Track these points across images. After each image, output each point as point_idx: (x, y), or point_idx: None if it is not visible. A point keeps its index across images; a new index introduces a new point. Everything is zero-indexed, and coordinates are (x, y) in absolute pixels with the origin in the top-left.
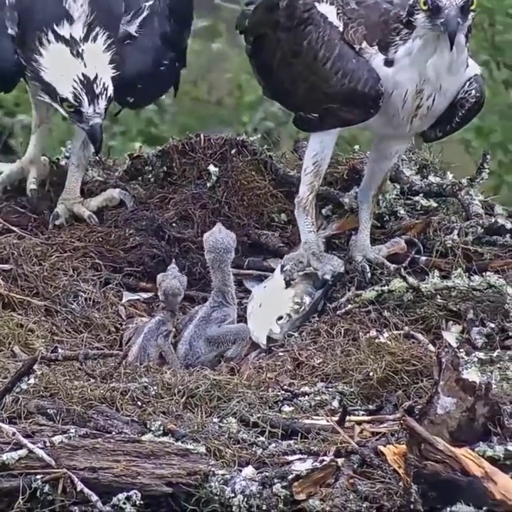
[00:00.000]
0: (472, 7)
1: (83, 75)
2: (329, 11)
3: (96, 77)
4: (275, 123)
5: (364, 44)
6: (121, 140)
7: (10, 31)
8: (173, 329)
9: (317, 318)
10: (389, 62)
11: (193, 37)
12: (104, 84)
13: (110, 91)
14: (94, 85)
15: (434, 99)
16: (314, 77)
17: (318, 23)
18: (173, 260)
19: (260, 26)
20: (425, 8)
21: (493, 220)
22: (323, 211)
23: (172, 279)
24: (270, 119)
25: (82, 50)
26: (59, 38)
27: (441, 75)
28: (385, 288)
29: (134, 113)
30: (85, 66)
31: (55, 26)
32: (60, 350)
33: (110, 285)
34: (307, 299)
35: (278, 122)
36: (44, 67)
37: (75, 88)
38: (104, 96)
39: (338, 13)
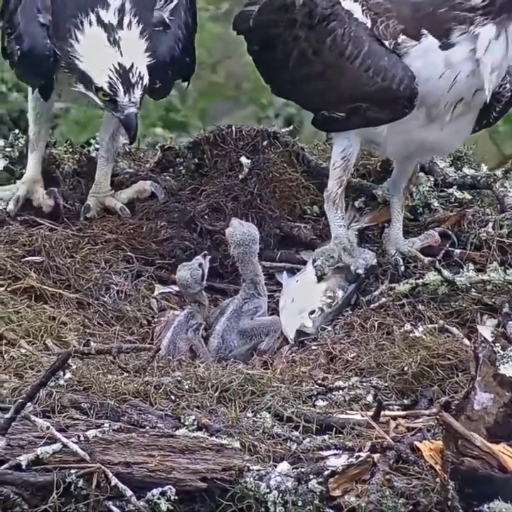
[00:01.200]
0: None
1: (119, 64)
2: (354, 8)
3: (132, 66)
4: (297, 108)
5: (401, 38)
6: (142, 125)
7: (42, 20)
8: (204, 322)
9: (350, 312)
10: (446, 45)
11: (214, 22)
12: (139, 73)
13: (146, 80)
14: (130, 74)
15: (493, 82)
16: (339, 75)
17: (343, 20)
18: (205, 252)
19: (271, 26)
20: None
21: None
22: (356, 203)
23: (183, 271)
24: (292, 105)
25: (119, 37)
26: (99, 21)
27: (497, 59)
28: (420, 281)
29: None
30: (121, 55)
31: (91, 12)
32: (92, 343)
33: (142, 278)
34: (340, 293)
35: (299, 107)
36: (80, 55)
37: (110, 77)
38: (139, 85)
39: (363, 10)
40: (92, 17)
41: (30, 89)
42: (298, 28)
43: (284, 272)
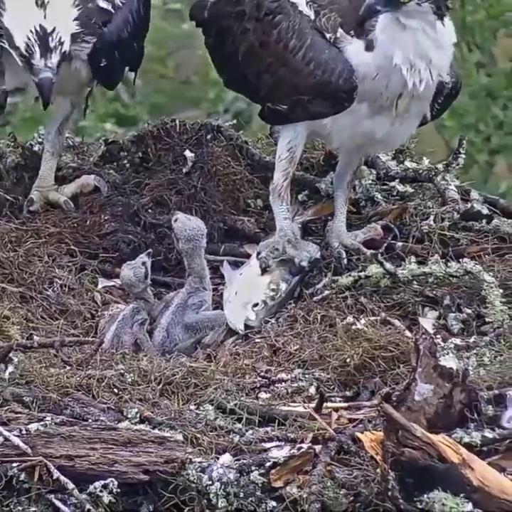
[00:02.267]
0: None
1: (41, 25)
2: (298, 0)
3: (53, 31)
4: (246, 103)
5: (340, 32)
6: (93, 120)
7: None
8: (148, 318)
9: (294, 305)
10: (370, 47)
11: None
12: (60, 38)
13: (66, 47)
14: (50, 38)
15: (431, 74)
16: (284, 68)
17: (288, 13)
18: (149, 250)
19: (223, 18)
20: None
21: (469, 206)
22: (300, 197)
23: (128, 269)
24: (241, 100)
25: (48, 1)
26: None
27: (426, 50)
28: (362, 274)
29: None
30: (45, 18)
31: None
32: (35, 337)
33: (86, 271)
34: (283, 286)
35: (249, 102)
36: (4, 9)
37: (29, 38)
38: (57, 51)
39: (307, 2)
40: None
41: None
42: (246, 20)
43: (225, 263)
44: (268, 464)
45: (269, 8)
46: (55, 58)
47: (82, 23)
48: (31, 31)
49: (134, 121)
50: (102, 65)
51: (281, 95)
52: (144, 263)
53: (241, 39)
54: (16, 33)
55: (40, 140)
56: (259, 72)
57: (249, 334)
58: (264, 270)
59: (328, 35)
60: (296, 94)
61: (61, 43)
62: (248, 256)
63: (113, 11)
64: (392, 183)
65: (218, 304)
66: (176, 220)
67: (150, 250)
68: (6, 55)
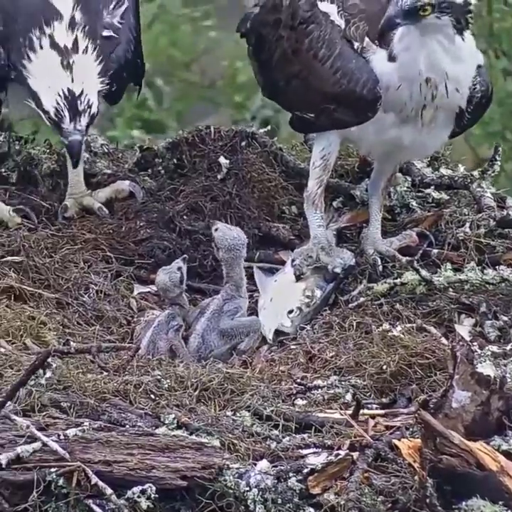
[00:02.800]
0: (425, 13)
1: (69, 89)
2: (330, 9)
3: (82, 93)
4: (273, 110)
5: (366, 41)
6: (120, 126)
7: None
8: (184, 324)
9: (329, 312)
10: (392, 57)
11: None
12: (88, 101)
13: (94, 109)
14: (79, 102)
15: (446, 88)
16: (312, 76)
17: (320, 22)
18: (184, 256)
19: (262, 26)
20: None
21: (505, 213)
22: (334, 203)
23: (162, 275)
24: (268, 107)
25: (73, 61)
26: (53, 44)
27: (442, 63)
28: (397, 281)
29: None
30: (72, 81)
31: (46, 27)
32: (72, 343)
33: (121, 278)
34: (318, 292)
35: (276, 109)
36: (31, 74)
37: (57, 103)
38: (86, 114)
39: (338, 11)
40: (46, 37)
41: None
42: (282, 28)
43: (256, 269)
44: (306, 471)
45: (303, 17)
46: (84, 121)
47: (103, 72)
48: (59, 95)
49: (162, 127)
50: (113, 89)
51: (309, 103)
52: (179, 268)
53: (276, 46)
54: (43, 97)
55: None
56: (289, 79)
57: (284, 341)
58: (299, 277)
59: (356, 44)
60: (322, 102)
61: (90, 106)
62: (283, 263)
63: (116, 36)
64: (428, 190)
65: (253, 311)
66: (216, 230)
67: (185, 256)
68: (12, 88)
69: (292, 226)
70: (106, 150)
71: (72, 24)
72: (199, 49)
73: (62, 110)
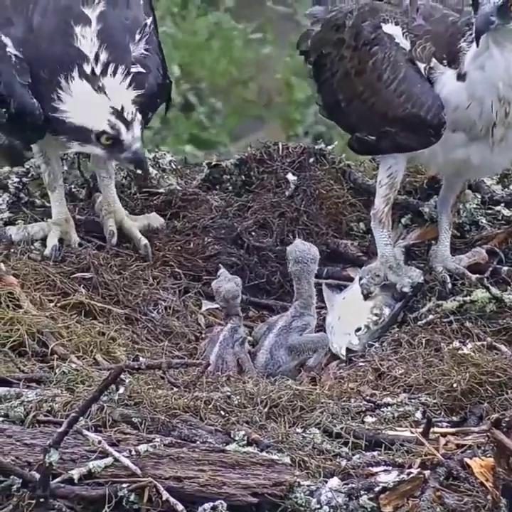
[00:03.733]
0: None
1: (112, 107)
2: (395, 32)
3: (123, 108)
4: (326, 126)
5: (433, 62)
6: (172, 143)
7: (23, 81)
8: (247, 336)
9: (398, 329)
10: (461, 76)
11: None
12: (132, 111)
13: (139, 116)
14: (125, 113)
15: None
16: (375, 98)
17: (385, 44)
18: (221, 266)
19: (324, 45)
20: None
21: None
22: (403, 220)
23: (228, 283)
24: (321, 123)
25: (102, 84)
26: (81, 74)
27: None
28: (467, 298)
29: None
30: (109, 99)
31: (73, 67)
32: (141, 358)
33: (189, 294)
34: (386, 311)
35: (329, 125)
36: (70, 113)
37: (109, 120)
38: (136, 122)
39: (404, 33)
40: (74, 73)
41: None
42: (345, 48)
43: (324, 286)
44: (377, 489)
45: (367, 38)
46: (137, 128)
47: (140, 90)
48: (107, 113)
49: (213, 144)
50: (149, 116)
51: (370, 125)
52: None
53: (338, 65)
54: (92, 123)
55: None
56: (352, 100)
57: (352, 358)
58: (367, 296)
59: (422, 65)
60: (384, 125)
61: (135, 115)
62: (351, 279)
63: (145, 70)
64: (498, 208)
65: (321, 328)
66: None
67: (221, 266)
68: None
69: (360, 243)
70: (174, 166)
71: (97, 60)
72: (252, 64)
73: (116, 124)
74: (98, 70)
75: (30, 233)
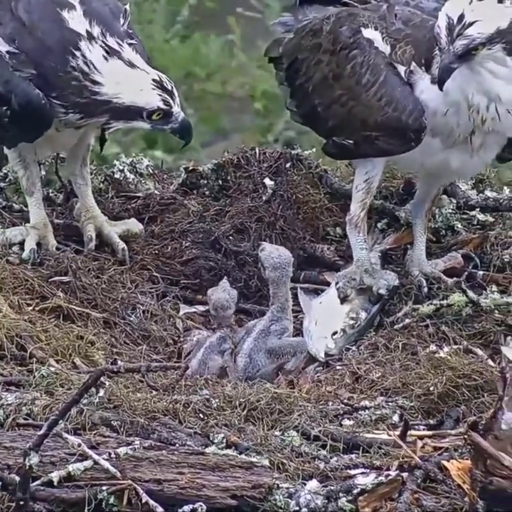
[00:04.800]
0: (477, 51)
1: (153, 80)
2: (375, 36)
3: (160, 77)
4: (296, 132)
5: (413, 65)
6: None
7: (23, 75)
8: (233, 347)
9: (374, 333)
10: (434, 80)
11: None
12: (166, 78)
13: (171, 81)
14: (165, 84)
15: (497, 113)
16: (354, 102)
17: (364, 48)
18: (225, 276)
19: (298, 50)
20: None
21: None
22: (379, 225)
23: (221, 293)
24: (292, 129)
25: (129, 59)
26: (110, 52)
27: (494, 87)
28: (444, 302)
29: None
30: (147, 72)
31: (83, 48)
32: (120, 362)
33: (167, 298)
34: (363, 314)
35: (299, 131)
36: (114, 95)
37: (159, 94)
38: (175, 90)
39: (383, 37)
40: (90, 52)
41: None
42: (322, 52)
43: (300, 291)
44: (356, 491)
45: (346, 42)
46: (177, 99)
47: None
48: (153, 89)
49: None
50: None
51: (349, 129)
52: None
53: (314, 70)
54: (143, 98)
55: (121, 168)
56: (329, 104)
57: (330, 361)
58: (343, 300)
59: (402, 68)
60: (364, 129)
61: (171, 82)
62: (328, 284)
63: (137, 43)
64: (473, 212)
65: (299, 332)
66: (262, 250)
67: (229, 278)
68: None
69: (337, 247)
70: (151, 171)
71: (93, 39)
72: (216, 64)
73: (166, 98)
74: (116, 46)
75: (8, 237)
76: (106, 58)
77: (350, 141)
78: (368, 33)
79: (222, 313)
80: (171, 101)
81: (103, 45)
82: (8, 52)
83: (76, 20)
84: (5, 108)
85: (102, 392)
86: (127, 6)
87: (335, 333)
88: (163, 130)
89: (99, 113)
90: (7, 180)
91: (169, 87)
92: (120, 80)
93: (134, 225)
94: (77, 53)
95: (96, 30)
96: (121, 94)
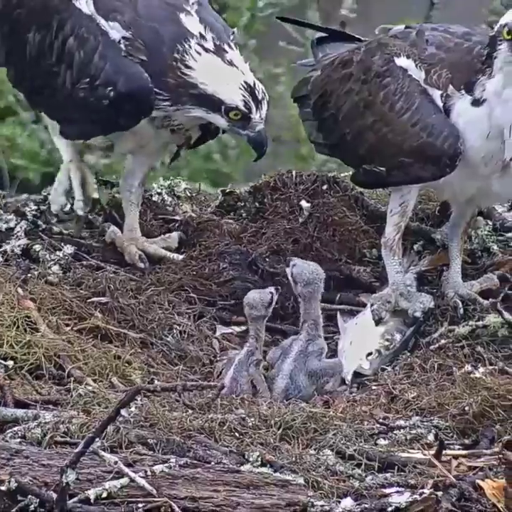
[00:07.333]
0: None
1: (245, 82)
2: (408, 65)
3: (255, 83)
4: (338, 164)
5: (450, 89)
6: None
7: (136, 60)
8: (262, 359)
9: (410, 353)
10: (476, 101)
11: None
12: (262, 89)
13: (267, 97)
14: (256, 91)
15: None
16: (387, 128)
17: (397, 75)
18: (277, 287)
19: (327, 83)
20: (509, 37)
21: None
22: (415, 247)
23: (255, 293)
24: (332, 162)
25: (231, 59)
26: (205, 49)
27: None
28: (479, 323)
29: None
30: (243, 73)
31: (190, 42)
32: (156, 381)
33: (204, 318)
34: (398, 336)
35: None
36: (201, 81)
37: (243, 95)
38: (265, 101)
39: (416, 64)
40: (196, 47)
41: (51, 130)
42: (352, 82)
43: (339, 315)
44: (390, 509)
45: (378, 71)
46: (264, 109)
47: None
48: (240, 89)
49: (228, 180)
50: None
51: (381, 156)
52: (271, 293)
53: (344, 99)
54: (226, 95)
55: (159, 190)
56: (360, 132)
57: (365, 382)
58: (378, 322)
59: (438, 93)
60: (397, 155)
61: (264, 93)
62: (364, 305)
63: None
64: (509, 234)
65: (334, 353)
66: (294, 265)
67: (278, 287)
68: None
69: (373, 269)
70: (189, 194)
71: (204, 39)
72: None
73: (249, 102)
74: (223, 45)
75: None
76: (207, 51)
77: (382, 169)
78: (401, 61)
79: (249, 312)
80: (253, 106)
81: (213, 44)
82: (123, 37)
83: (192, 23)
84: (110, 89)
85: (137, 411)
86: (235, 29)
87: (369, 353)
88: (239, 134)
89: (184, 98)
90: (46, 202)
91: (258, 96)
92: (212, 71)
93: (173, 241)
94: (185, 45)
95: (209, 35)
96: (207, 81)
